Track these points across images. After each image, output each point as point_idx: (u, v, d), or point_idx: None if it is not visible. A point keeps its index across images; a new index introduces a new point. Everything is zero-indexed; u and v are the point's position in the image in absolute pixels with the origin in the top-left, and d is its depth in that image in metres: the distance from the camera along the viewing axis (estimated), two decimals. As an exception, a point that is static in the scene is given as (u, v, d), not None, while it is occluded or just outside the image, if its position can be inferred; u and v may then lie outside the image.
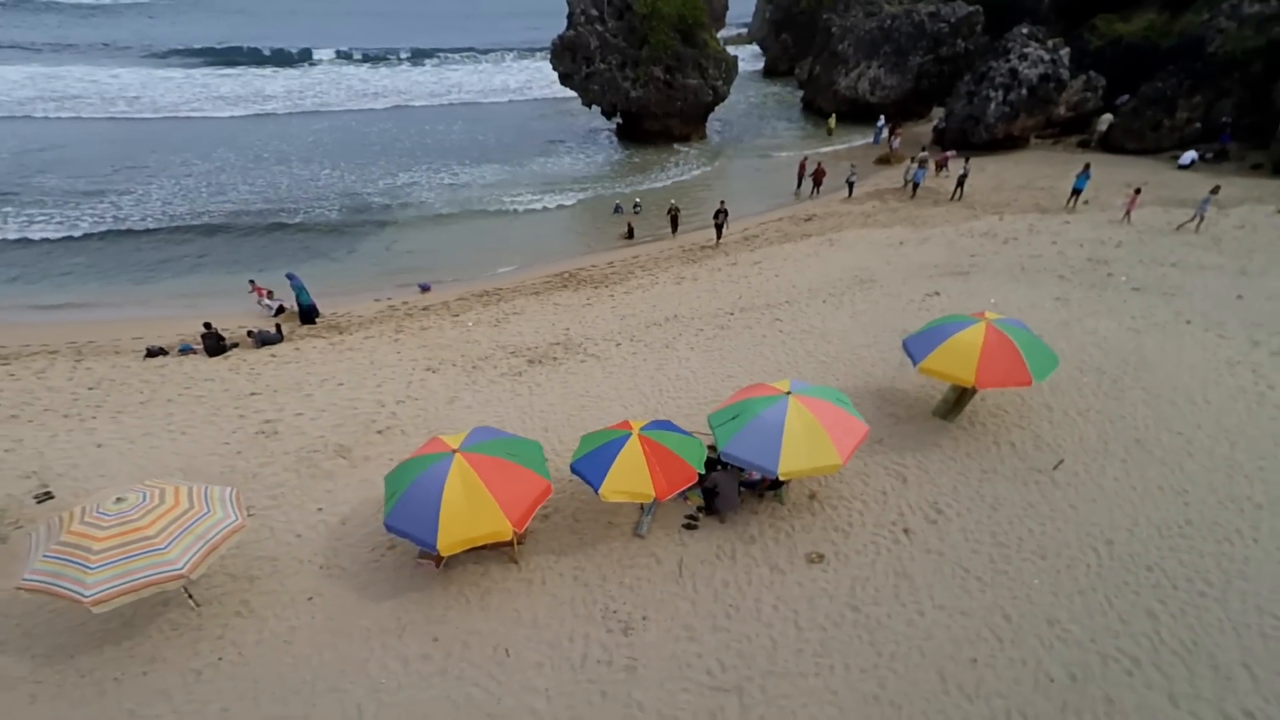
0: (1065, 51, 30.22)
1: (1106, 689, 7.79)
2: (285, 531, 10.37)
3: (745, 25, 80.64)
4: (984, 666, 8.18)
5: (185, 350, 16.28)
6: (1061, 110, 31.91)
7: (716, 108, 39.68)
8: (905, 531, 10.23)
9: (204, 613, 8.89)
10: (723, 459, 10.03)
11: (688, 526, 10.53)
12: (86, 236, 25.05)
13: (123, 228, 25.85)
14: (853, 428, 10.02)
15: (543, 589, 9.48)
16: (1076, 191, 24.68)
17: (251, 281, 20.25)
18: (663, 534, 10.44)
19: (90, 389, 14.35)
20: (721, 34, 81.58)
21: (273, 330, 17.38)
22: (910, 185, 28.17)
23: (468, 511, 8.35)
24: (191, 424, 12.98)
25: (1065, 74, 29.94)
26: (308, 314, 18.80)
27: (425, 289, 21.98)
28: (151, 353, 16.08)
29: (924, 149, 30.76)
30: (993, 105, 30.40)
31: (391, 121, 43.53)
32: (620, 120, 39.27)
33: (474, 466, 8.64)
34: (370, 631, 8.75)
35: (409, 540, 8.52)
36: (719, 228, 24.45)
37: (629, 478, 9.26)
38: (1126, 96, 31.83)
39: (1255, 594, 8.78)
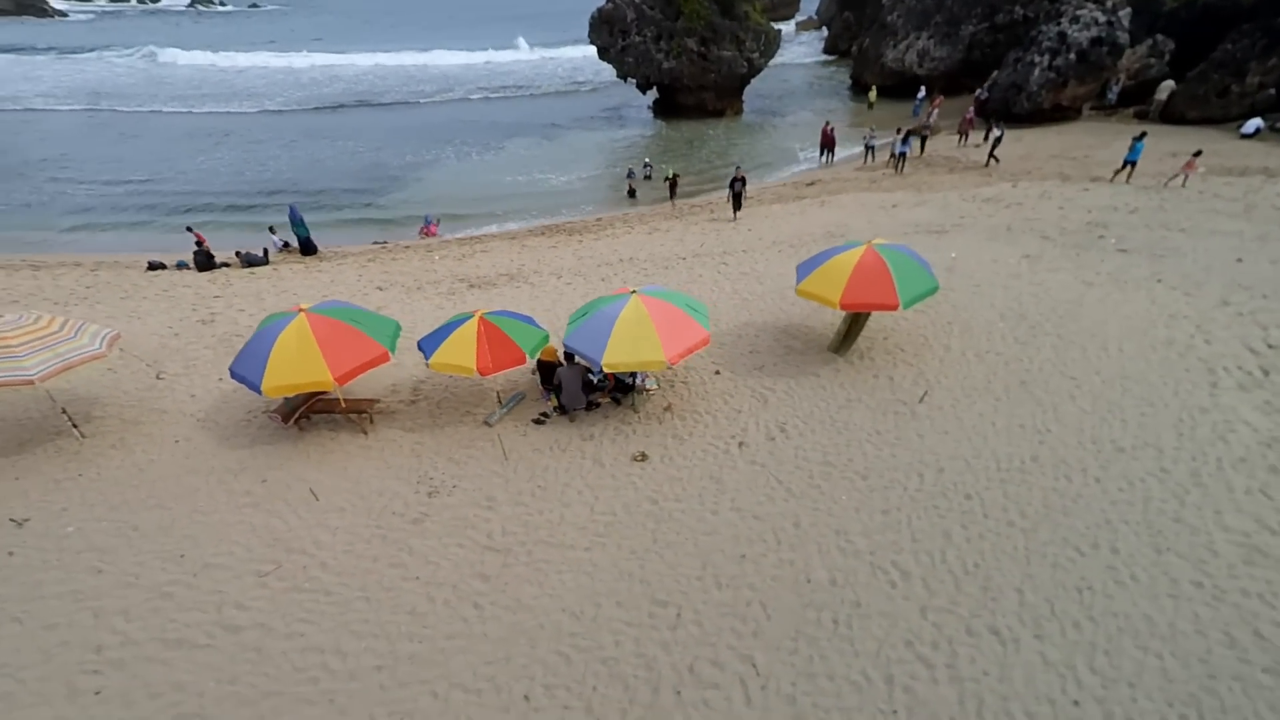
0: (1125, 12, 27.19)
1: (859, 594, 7.67)
2: (183, 393, 11.75)
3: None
4: (749, 562, 8.22)
5: (181, 265, 18.36)
6: (1122, 78, 28.92)
7: (758, 83, 39.07)
8: (740, 445, 10.26)
9: (86, 443, 10.35)
10: (566, 349, 10.42)
11: (537, 422, 11.02)
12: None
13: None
14: (690, 332, 10.11)
15: (378, 455, 10.31)
16: (1130, 164, 21.62)
17: (189, 228, 20.67)
18: (511, 425, 11.00)
19: (88, 288, 16.58)
20: (795, 19, 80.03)
21: (260, 254, 19.18)
22: (894, 158, 26.63)
23: (295, 361, 9.21)
24: (151, 314, 14.80)
25: (1123, 37, 26.87)
26: (306, 246, 20.55)
27: (426, 228, 23.27)
28: (152, 266, 18.25)
29: (925, 124, 29.40)
30: (1036, 71, 27.92)
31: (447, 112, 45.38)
32: (657, 95, 39.49)
33: (313, 325, 9.47)
34: (214, 470, 9.88)
35: (244, 385, 9.48)
36: (738, 196, 21.66)
37: (456, 352, 9.83)
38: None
39: (1070, 528, 8.27)
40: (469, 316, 10.22)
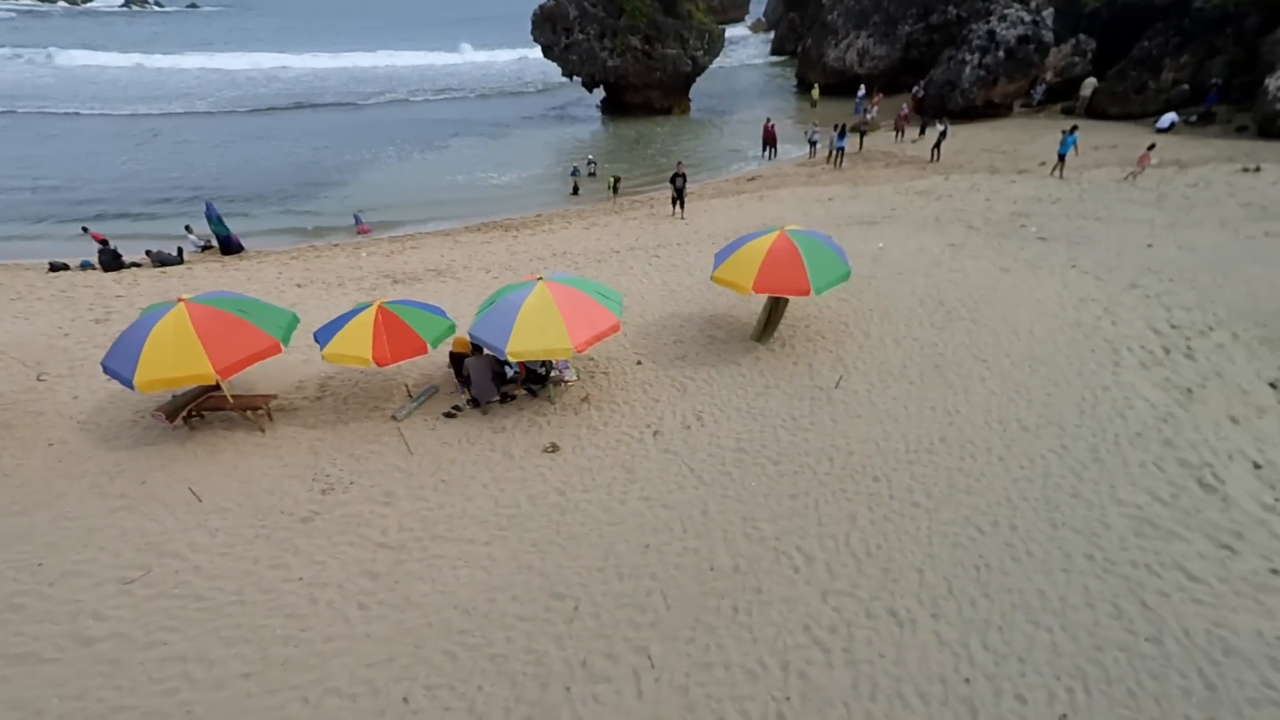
0: (1049, 12, 28.20)
1: (761, 580, 7.50)
2: (66, 394, 10.98)
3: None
4: (653, 552, 7.98)
5: (86, 265, 17.34)
6: (1049, 76, 29.86)
7: (706, 82, 39.24)
8: (655, 434, 10.03)
9: (-50, 447, 9.55)
10: (471, 339, 10.04)
11: (449, 415, 10.62)
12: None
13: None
14: (599, 319, 9.84)
15: (273, 453, 9.77)
16: (1061, 157, 21.95)
17: (85, 228, 19.90)
18: (420, 420, 10.58)
19: (-22, 289, 15.52)
20: (747, 20, 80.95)
21: (174, 253, 18.27)
22: (833, 154, 26.93)
23: (172, 353, 8.62)
24: (43, 314, 13.87)
25: (1048, 36, 27.85)
26: (227, 245, 19.64)
27: (358, 222, 22.54)
28: (54, 267, 17.19)
29: (864, 120, 29.85)
30: (968, 69, 28.68)
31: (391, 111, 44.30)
32: (603, 93, 39.32)
33: (192, 315, 8.90)
34: (88, 473, 9.20)
35: (116, 380, 8.85)
36: (679, 193, 20.83)
37: (351, 342, 9.38)
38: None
39: (972, 507, 8.26)
40: (366, 306, 9.78)
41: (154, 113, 42.88)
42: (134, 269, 17.64)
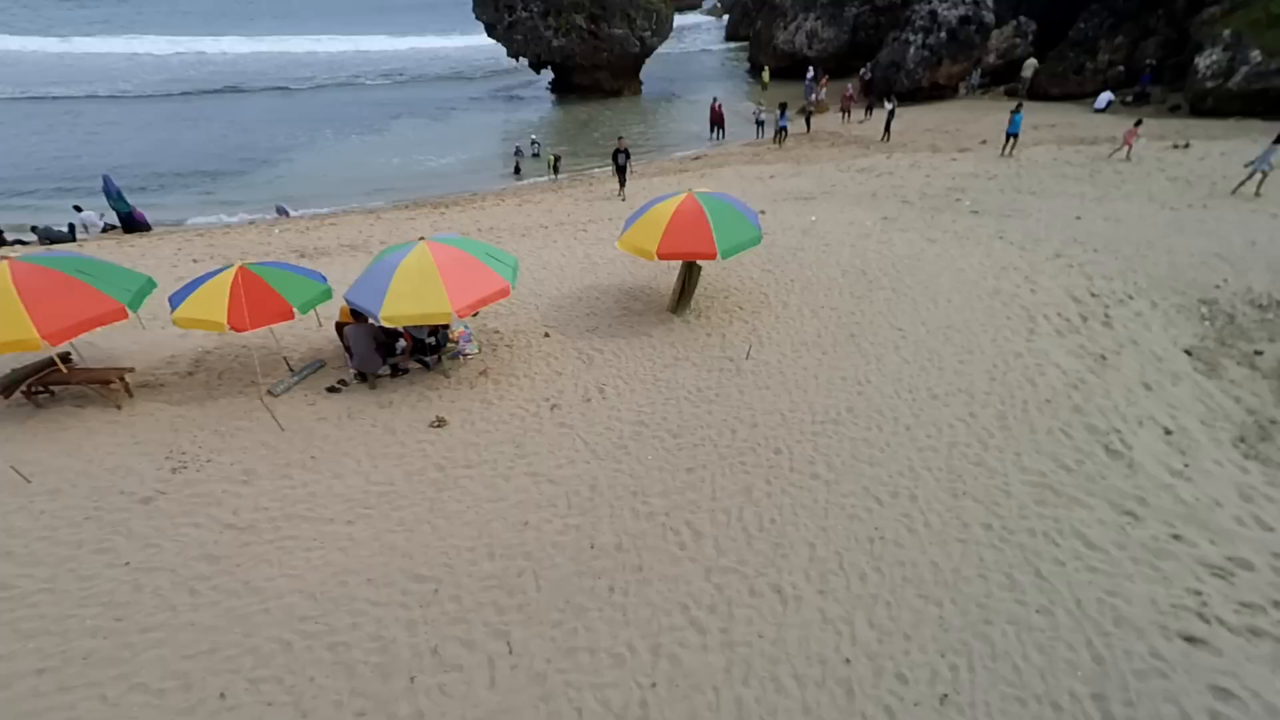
0: None
1: (643, 558, 6.91)
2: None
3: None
4: (531, 530, 7.34)
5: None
6: (991, 58, 29.92)
7: (659, 66, 38.54)
8: (552, 407, 9.39)
9: None
10: (348, 304, 9.24)
11: (332, 390, 9.83)
12: None
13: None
14: (485, 281, 9.12)
15: (126, 431, 8.86)
16: (1012, 136, 21.15)
17: None
18: (301, 395, 9.76)
19: None
20: (704, 6, 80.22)
21: (65, 229, 16.93)
22: (777, 132, 26.54)
23: (-12, 320, 7.68)
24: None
25: (988, 16, 27.87)
26: (130, 222, 18.28)
27: (282, 213, 21.48)
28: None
29: (810, 102, 29.38)
30: (912, 50, 28.51)
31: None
32: (552, 75, 38.35)
33: (15, 275, 7.92)
34: (-97, 454, 8.19)
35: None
36: (621, 170, 19.68)
37: (204, 305, 8.51)
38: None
39: (874, 477, 7.80)
40: (225, 267, 8.92)
41: (76, 95, 40.29)
42: (17, 245, 16.27)
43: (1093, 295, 11.40)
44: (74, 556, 6.89)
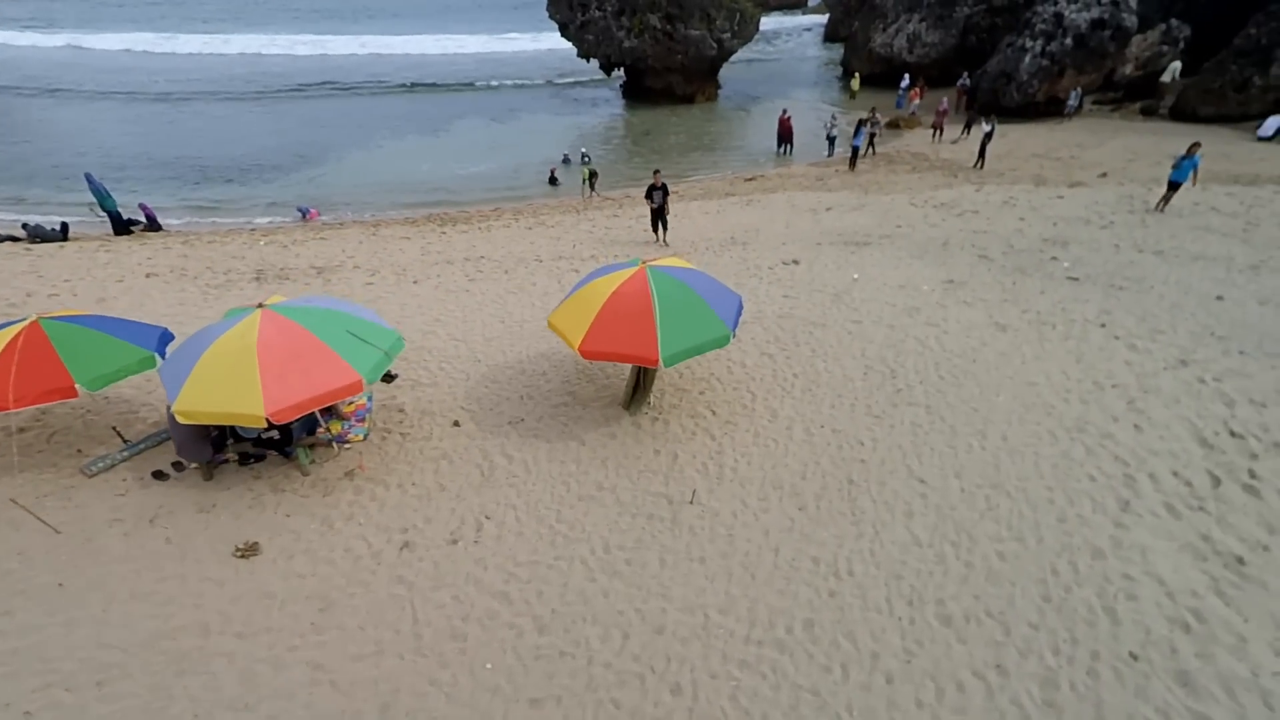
0: None
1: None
2: None
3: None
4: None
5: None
6: (1129, 69, 24.49)
7: (743, 69, 35.37)
8: (403, 546, 6.96)
9: None
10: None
11: (157, 475, 7.88)
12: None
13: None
14: (324, 375, 6.74)
15: None
16: (1173, 185, 15.13)
17: None
18: (121, 476, 7.90)
19: None
20: (810, 3, 75.18)
21: (58, 228, 16.27)
22: (853, 153, 22.52)
23: None
24: None
25: (1129, 20, 22.49)
26: (117, 222, 17.52)
27: (304, 215, 20.54)
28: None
29: (874, 111, 24.20)
30: (1028, 58, 23.67)
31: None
32: (623, 78, 35.97)
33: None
34: None
35: None
36: (658, 211, 15.38)
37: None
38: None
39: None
40: (21, 320, 7.08)
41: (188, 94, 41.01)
42: (5, 242, 15.73)
43: (1233, 435, 7.65)
44: None
